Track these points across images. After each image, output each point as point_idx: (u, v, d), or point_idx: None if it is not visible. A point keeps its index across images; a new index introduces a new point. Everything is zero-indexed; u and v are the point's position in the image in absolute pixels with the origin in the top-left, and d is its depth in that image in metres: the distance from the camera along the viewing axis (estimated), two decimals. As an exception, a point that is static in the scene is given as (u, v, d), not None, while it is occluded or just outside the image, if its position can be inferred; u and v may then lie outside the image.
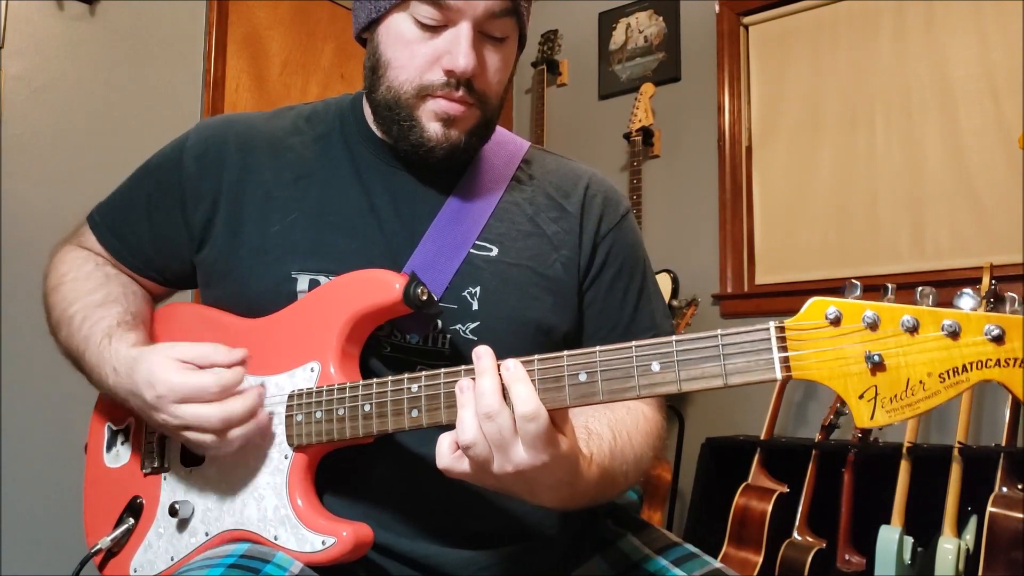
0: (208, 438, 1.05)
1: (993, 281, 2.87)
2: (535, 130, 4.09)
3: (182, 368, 1.05)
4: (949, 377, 0.72)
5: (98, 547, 1.21)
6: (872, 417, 0.75)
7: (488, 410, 0.88)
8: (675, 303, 3.51)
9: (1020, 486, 2.52)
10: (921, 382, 0.73)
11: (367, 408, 1.01)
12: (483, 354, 0.92)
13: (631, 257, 1.28)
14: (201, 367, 1.06)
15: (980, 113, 3.22)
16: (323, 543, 1.02)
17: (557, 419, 0.91)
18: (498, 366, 0.91)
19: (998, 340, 0.71)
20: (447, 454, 0.93)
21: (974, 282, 2.92)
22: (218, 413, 1.03)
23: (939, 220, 3.27)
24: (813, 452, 2.96)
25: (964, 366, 0.72)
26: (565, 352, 0.91)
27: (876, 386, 0.75)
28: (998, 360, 0.71)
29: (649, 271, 1.32)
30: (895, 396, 0.74)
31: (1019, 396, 0.70)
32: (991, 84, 3.20)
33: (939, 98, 3.31)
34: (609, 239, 1.26)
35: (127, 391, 1.10)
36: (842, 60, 3.56)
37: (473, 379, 0.91)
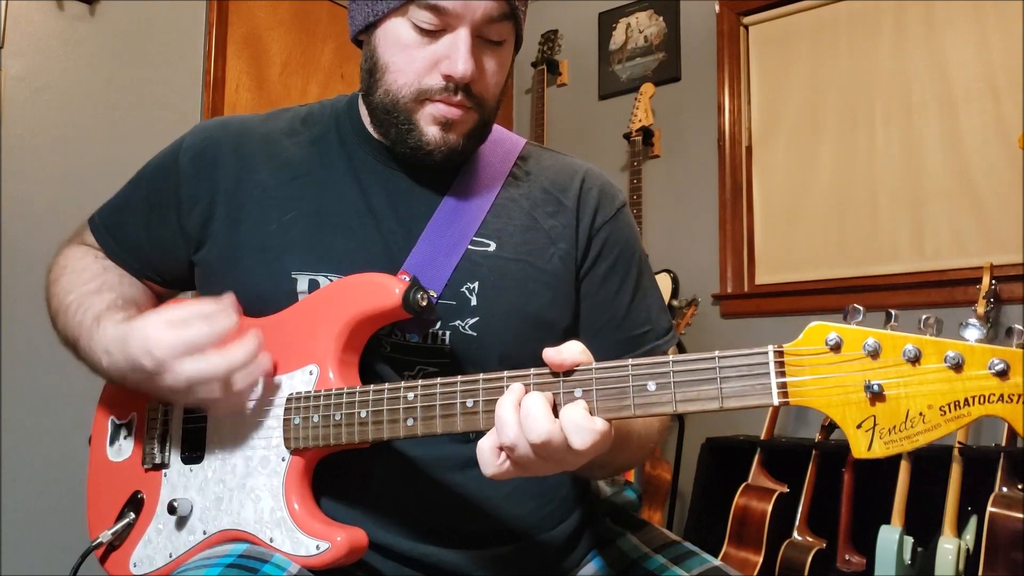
0: (215, 390, 1.04)
1: (993, 281, 2.87)
2: (535, 130, 4.09)
3: (174, 325, 1.05)
4: (950, 411, 0.71)
5: (99, 540, 1.21)
6: (869, 448, 0.73)
7: (539, 439, 0.86)
8: (675, 303, 3.51)
9: (1020, 486, 2.52)
10: (921, 414, 0.72)
11: (363, 415, 1.01)
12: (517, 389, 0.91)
13: (627, 250, 1.28)
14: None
15: (980, 113, 3.21)
16: (317, 547, 1.02)
17: None
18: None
19: (1002, 375, 0.70)
20: (492, 461, 0.91)
21: (974, 282, 2.92)
22: (221, 361, 1.03)
23: (939, 220, 3.26)
24: (813, 452, 2.96)
25: (966, 399, 0.70)
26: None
27: (875, 416, 0.74)
28: (1001, 395, 0.69)
29: (646, 266, 1.32)
30: (894, 427, 0.73)
31: (1021, 433, 0.68)
32: (991, 84, 3.19)
33: (939, 98, 3.31)
34: (604, 232, 1.26)
35: (125, 369, 1.08)
36: (842, 60, 3.55)
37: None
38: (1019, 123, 3.10)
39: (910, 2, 3.39)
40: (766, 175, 3.72)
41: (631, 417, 0.87)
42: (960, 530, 2.55)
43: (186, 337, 1.03)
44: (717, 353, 0.83)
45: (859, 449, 0.74)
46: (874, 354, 0.74)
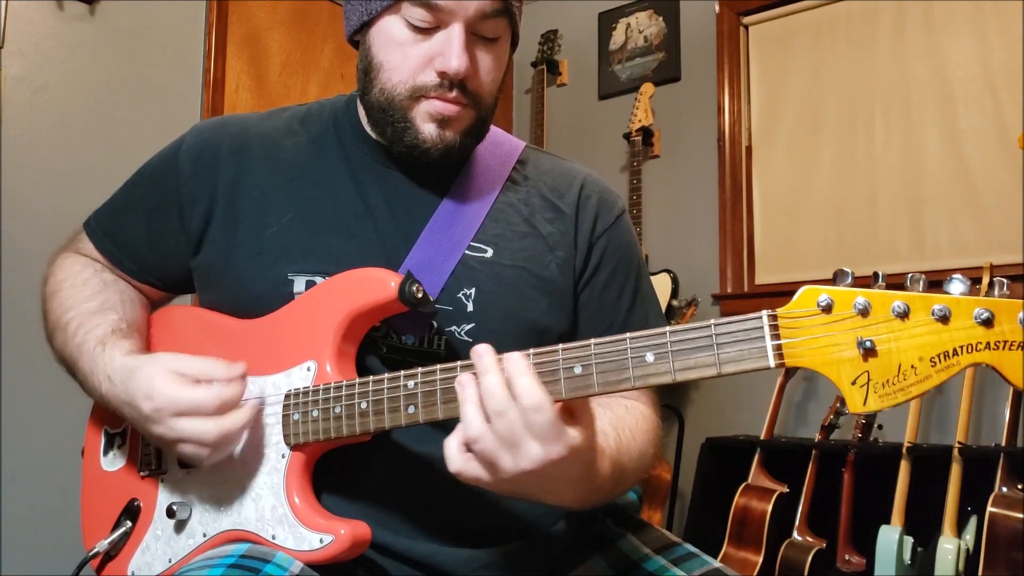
0: (203, 451, 1.05)
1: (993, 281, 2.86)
2: (535, 130, 4.10)
3: (182, 381, 1.04)
4: (940, 361, 0.73)
5: (96, 550, 1.20)
6: (865, 402, 0.75)
7: (497, 407, 0.87)
8: (675, 303, 3.51)
9: (1020, 486, 2.52)
10: (913, 367, 0.74)
11: (363, 406, 1.01)
12: (483, 352, 0.90)
13: (626, 258, 1.28)
14: (199, 381, 1.06)
15: (980, 113, 3.22)
16: (320, 541, 1.02)
17: (577, 410, 0.90)
18: (499, 361, 0.90)
19: (987, 323, 0.72)
20: (457, 456, 0.91)
21: (974, 282, 2.91)
22: (215, 428, 1.03)
23: (939, 220, 3.27)
24: (813, 452, 2.97)
25: (955, 349, 0.72)
26: (560, 345, 0.90)
27: (868, 372, 0.75)
28: (988, 343, 0.71)
29: (644, 272, 1.32)
30: (887, 381, 0.74)
31: (1008, 378, 0.70)
32: (991, 84, 3.20)
33: (939, 98, 3.31)
34: (604, 240, 1.26)
35: (122, 401, 1.09)
36: (842, 60, 3.56)
37: (473, 374, 0.90)
38: (1019, 123, 3.10)
39: (910, 2, 3.40)
40: (766, 175, 3.73)
41: (631, 388, 0.87)
42: (960, 530, 2.54)
43: (190, 397, 1.03)
44: (712, 321, 0.84)
45: (855, 404, 0.76)
46: (864, 312, 0.76)
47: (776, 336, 0.80)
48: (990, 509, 2.45)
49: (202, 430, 1.03)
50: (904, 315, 0.74)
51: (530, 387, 0.86)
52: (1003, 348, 0.70)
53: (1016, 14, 3.14)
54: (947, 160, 3.27)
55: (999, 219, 3.13)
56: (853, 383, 0.76)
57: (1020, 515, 2.41)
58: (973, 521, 2.55)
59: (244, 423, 1.05)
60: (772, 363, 0.80)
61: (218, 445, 1.04)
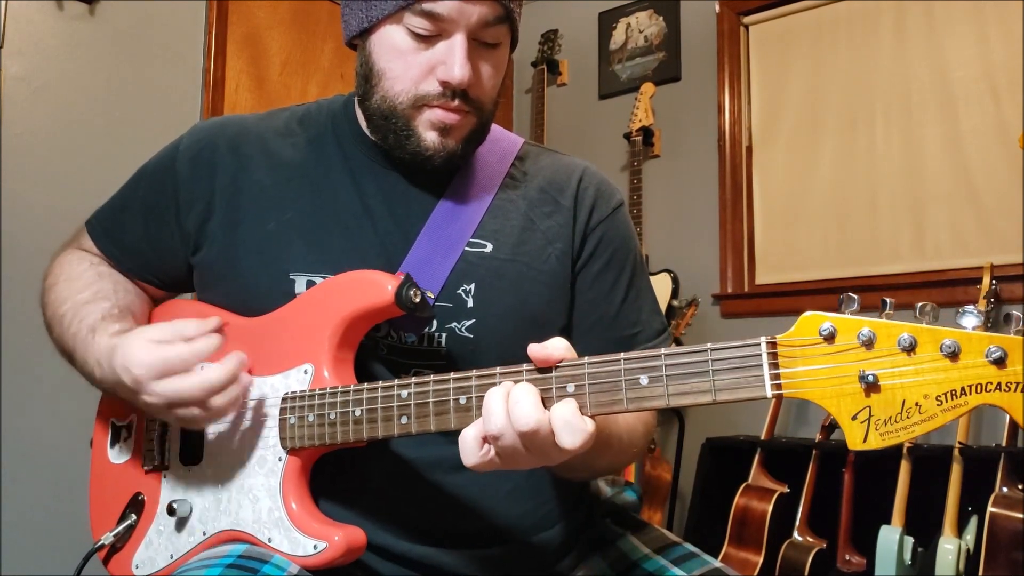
0: (194, 411, 1.05)
1: (993, 281, 2.86)
2: (535, 130, 4.09)
3: (156, 345, 1.04)
4: (947, 400, 0.70)
5: (101, 543, 1.22)
6: (865, 440, 0.72)
7: (527, 427, 0.86)
8: (675, 303, 3.50)
9: (1020, 486, 2.51)
10: (917, 404, 0.71)
11: (358, 413, 1.01)
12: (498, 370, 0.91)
13: (621, 249, 1.28)
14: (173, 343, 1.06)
15: (980, 113, 3.21)
16: (315, 547, 1.02)
17: None
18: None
19: (999, 363, 0.68)
20: (475, 451, 0.90)
21: (974, 282, 2.92)
22: (197, 383, 1.03)
23: (939, 220, 3.26)
24: (813, 452, 2.96)
25: (963, 389, 0.69)
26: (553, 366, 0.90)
27: (870, 407, 0.72)
28: (999, 384, 0.68)
29: (640, 267, 1.31)
30: (890, 418, 0.72)
31: (1019, 422, 0.67)
32: (991, 84, 3.19)
33: (939, 98, 3.30)
34: (599, 230, 1.26)
35: (112, 382, 1.09)
36: (842, 60, 3.55)
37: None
38: (1019, 123, 3.10)
39: (910, 2, 3.39)
40: (766, 175, 3.72)
41: (624, 411, 0.87)
42: (960, 530, 2.54)
43: (163, 357, 1.03)
44: (709, 345, 0.82)
45: (855, 441, 0.73)
46: (868, 344, 0.73)
47: (775, 364, 0.78)
48: (991, 509, 2.45)
49: (184, 387, 1.03)
50: (911, 349, 0.71)
51: (568, 414, 0.86)
52: (1015, 390, 0.67)
53: (1016, 14, 3.14)
54: (947, 160, 3.26)
55: (999, 219, 3.13)
56: (854, 418, 0.73)
57: (1021, 515, 2.41)
58: (974, 521, 2.54)
59: (226, 373, 1.04)
60: (769, 393, 0.78)
61: (205, 400, 1.04)
